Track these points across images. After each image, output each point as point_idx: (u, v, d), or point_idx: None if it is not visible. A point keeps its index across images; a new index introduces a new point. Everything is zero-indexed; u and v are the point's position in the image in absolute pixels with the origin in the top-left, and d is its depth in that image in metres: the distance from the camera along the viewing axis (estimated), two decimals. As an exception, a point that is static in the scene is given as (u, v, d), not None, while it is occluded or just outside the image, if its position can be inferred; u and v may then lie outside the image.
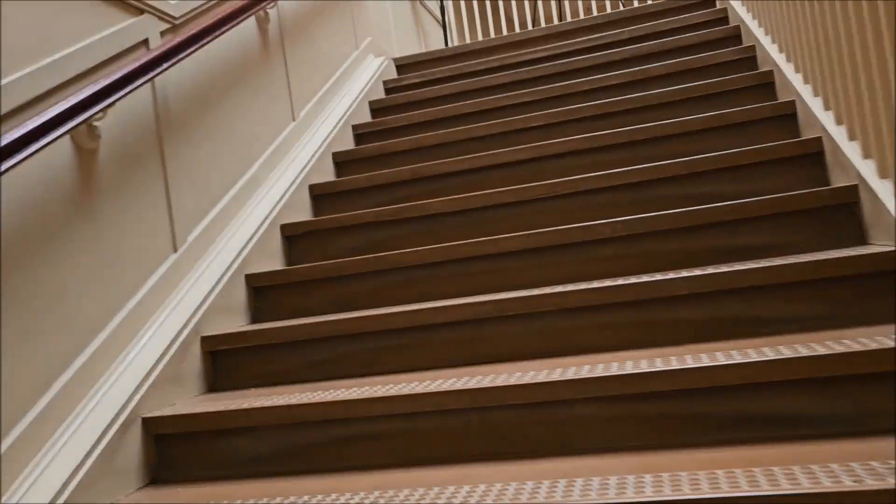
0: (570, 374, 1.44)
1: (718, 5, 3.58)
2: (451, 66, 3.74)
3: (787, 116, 2.34)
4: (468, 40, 5.50)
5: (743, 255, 1.87)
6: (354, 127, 3.26)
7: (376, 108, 3.53)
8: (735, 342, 1.53)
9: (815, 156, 2.11)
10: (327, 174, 2.94)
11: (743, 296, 1.62)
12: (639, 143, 2.46)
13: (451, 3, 5.77)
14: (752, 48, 2.85)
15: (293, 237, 2.46)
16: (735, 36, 3.14)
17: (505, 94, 3.10)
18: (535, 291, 1.76)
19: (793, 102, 2.33)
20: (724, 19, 3.40)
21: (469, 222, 2.27)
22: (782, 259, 1.72)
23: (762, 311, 1.60)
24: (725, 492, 1.09)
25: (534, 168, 2.52)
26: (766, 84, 2.60)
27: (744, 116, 2.37)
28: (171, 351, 1.82)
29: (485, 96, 3.38)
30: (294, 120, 2.88)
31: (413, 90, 3.71)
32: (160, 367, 1.77)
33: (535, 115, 2.80)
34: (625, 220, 1.91)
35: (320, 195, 2.72)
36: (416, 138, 2.92)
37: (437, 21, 5.70)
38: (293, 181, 2.64)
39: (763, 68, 2.70)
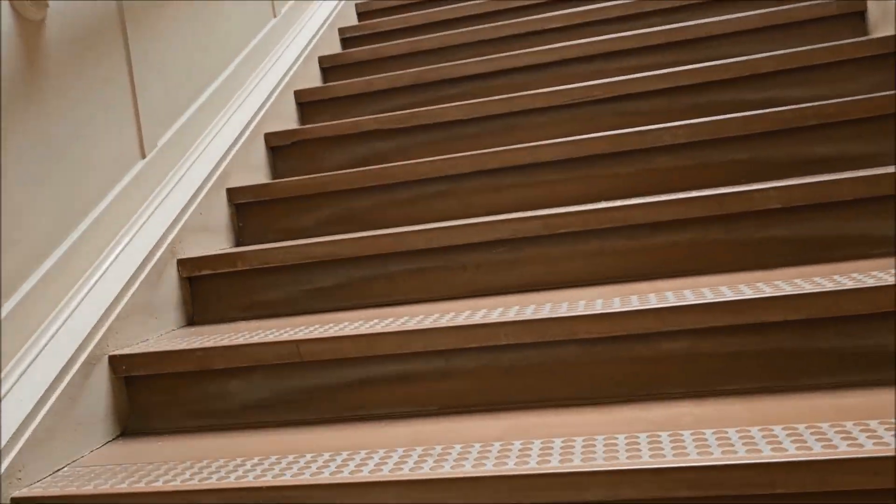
0: (653, 302, 1.15)
1: None
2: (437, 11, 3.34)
3: (855, 15, 2.04)
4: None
5: (828, 167, 1.59)
6: (341, 30, 2.88)
7: (364, 12, 3.14)
8: (837, 265, 1.27)
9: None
10: (313, 80, 2.57)
11: (843, 210, 1.35)
12: (679, 44, 2.15)
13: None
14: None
15: (280, 148, 2.11)
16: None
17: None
18: (588, 206, 1.46)
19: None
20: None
21: (490, 131, 1.95)
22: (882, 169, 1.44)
23: (869, 228, 1.33)
24: (867, 449, 0.83)
25: (559, 73, 2.19)
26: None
27: (803, 14, 2.06)
28: (142, 276, 1.49)
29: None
30: (275, 16, 2.49)
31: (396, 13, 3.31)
32: (129, 294, 1.44)
33: (554, 16, 2.46)
34: (687, 124, 1.61)
35: (308, 102, 2.37)
36: (414, 41, 2.56)
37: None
38: (276, 85, 2.27)
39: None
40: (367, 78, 2.32)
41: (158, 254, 1.56)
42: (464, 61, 2.28)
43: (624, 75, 2.00)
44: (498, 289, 1.47)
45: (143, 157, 1.66)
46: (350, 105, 2.32)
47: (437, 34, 2.56)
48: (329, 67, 2.62)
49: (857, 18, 2.05)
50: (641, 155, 1.62)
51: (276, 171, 2.10)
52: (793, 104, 1.82)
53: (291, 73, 2.39)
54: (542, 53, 2.21)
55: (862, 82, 1.85)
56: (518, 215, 1.48)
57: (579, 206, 1.47)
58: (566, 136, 1.79)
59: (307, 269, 1.57)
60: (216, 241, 1.78)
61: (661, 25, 2.33)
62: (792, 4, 2.14)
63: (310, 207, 1.83)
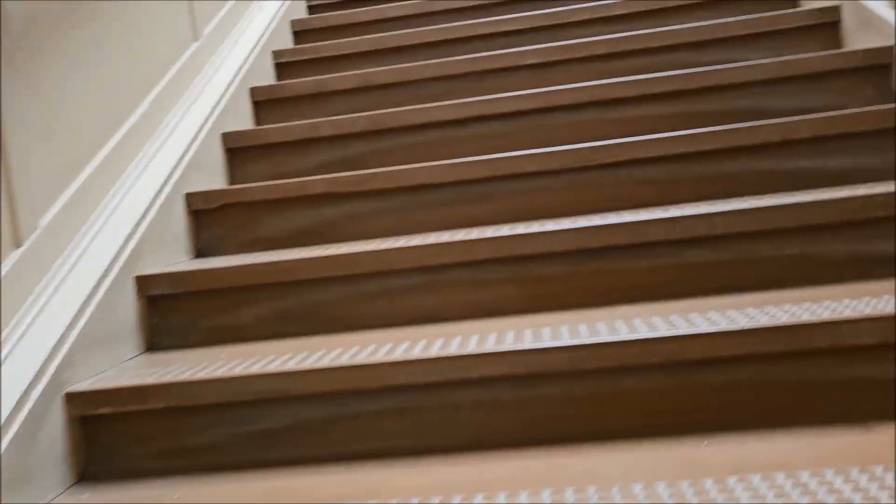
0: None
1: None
2: (388, 6, 2.96)
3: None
4: None
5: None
6: (276, 53, 2.47)
7: (284, 63, 2.61)
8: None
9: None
10: (245, 119, 2.16)
11: None
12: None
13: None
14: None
15: (204, 212, 1.70)
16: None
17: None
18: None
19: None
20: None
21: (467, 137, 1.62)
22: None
23: None
24: None
25: (542, 122, 1.86)
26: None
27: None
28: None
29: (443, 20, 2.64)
30: (197, 39, 2.07)
31: (345, 7, 2.92)
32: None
33: (530, 52, 2.13)
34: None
35: (240, 149, 1.95)
36: (367, 73, 2.18)
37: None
38: (199, 130, 1.86)
39: None
40: (313, 121, 1.93)
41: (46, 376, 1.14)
42: (432, 104, 1.91)
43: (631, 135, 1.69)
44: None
45: (19, 246, 1.24)
46: (293, 153, 1.93)
47: (394, 66, 2.19)
48: (264, 101, 2.21)
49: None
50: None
51: (199, 241, 1.69)
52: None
53: (220, 108, 1.97)
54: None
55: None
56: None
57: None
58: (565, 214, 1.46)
59: (248, 407, 1.17)
60: (122, 350, 1.36)
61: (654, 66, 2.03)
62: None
63: (245, 301, 1.42)
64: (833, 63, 1.79)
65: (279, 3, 2.74)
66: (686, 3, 2.32)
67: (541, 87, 2.06)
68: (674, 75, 1.82)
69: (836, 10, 2.03)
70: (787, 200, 1.32)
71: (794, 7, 2.27)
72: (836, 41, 2.05)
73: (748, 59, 2.04)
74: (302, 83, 2.19)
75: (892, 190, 1.28)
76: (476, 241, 1.34)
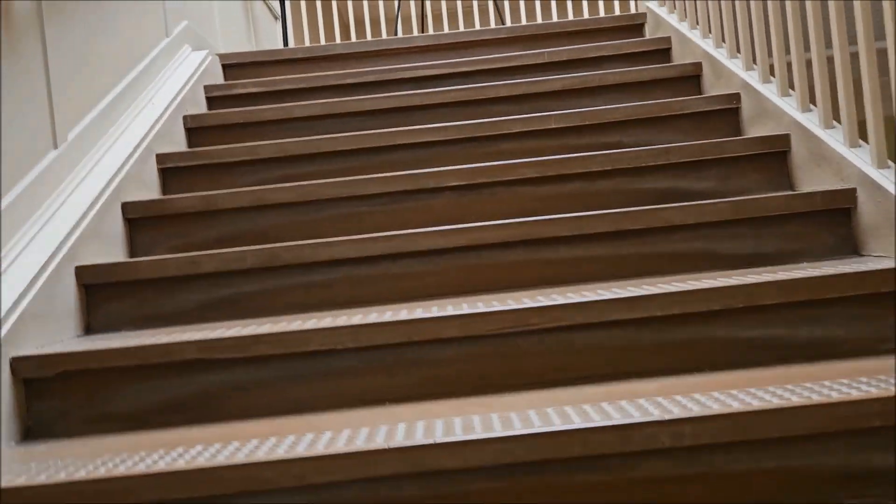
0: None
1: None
2: (303, 76, 2.71)
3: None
4: (322, 40, 4.45)
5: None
6: (160, 157, 2.14)
7: (195, 128, 2.42)
8: None
9: None
10: (151, 188, 1.82)
11: None
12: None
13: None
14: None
15: (98, 287, 1.34)
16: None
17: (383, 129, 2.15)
18: None
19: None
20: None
21: (377, 276, 1.30)
22: None
23: None
24: None
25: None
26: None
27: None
28: None
29: (352, 125, 2.39)
30: (57, 147, 1.73)
31: (248, 103, 2.64)
32: None
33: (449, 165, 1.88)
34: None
35: (141, 219, 1.61)
36: (259, 192, 1.88)
37: (273, 13, 4.58)
38: (101, 193, 1.52)
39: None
40: (191, 255, 1.60)
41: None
42: (337, 239, 1.62)
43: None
44: None
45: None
46: (167, 292, 1.59)
47: (295, 184, 1.90)
48: (139, 220, 1.88)
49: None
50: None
51: (91, 321, 1.32)
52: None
53: (78, 232, 1.63)
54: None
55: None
56: None
57: None
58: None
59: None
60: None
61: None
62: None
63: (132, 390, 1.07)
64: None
65: (173, 93, 2.43)
66: (625, 118, 2.14)
67: (464, 213, 1.82)
68: (617, 213, 1.59)
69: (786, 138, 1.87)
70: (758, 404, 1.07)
71: (739, 135, 2.12)
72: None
73: (693, 187, 1.85)
74: (187, 200, 1.87)
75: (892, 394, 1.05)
76: (382, 453, 1.03)
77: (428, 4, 4.72)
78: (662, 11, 2.77)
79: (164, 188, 2.11)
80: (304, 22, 4.45)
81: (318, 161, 2.14)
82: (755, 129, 2.05)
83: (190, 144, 2.41)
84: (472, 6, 9.77)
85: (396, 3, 4.50)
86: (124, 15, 2.28)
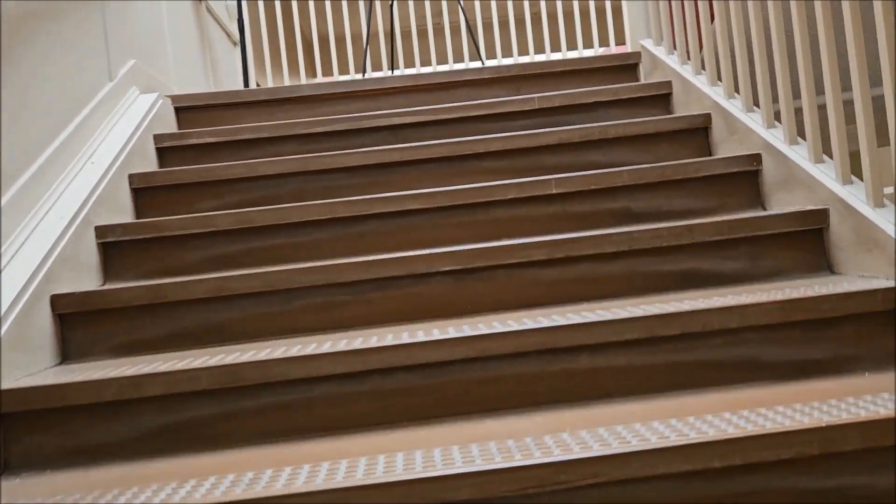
0: None
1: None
2: (266, 124, 2.43)
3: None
4: (286, 80, 4.16)
5: None
6: (101, 230, 1.84)
7: (143, 188, 2.12)
8: None
9: None
10: (40, 351, 1.51)
11: None
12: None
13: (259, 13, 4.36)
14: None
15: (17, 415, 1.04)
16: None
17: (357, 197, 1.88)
18: None
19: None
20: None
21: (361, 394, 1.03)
22: None
23: None
24: None
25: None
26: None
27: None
28: None
29: (323, 184, 2.13)
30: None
31: (205, 155, 2.35)
32: None
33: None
34: None
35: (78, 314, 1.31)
36: (218, 280, 1.60)
37: (232, 38, 4.28)
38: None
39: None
40: (133, 376, 1.31)
41: None
42: (311, 354, 1.34)
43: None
44: None
45: None
46: (100, 420, 1.30)
47: (258, 270, 1.62)
48: (72, 315, 1.58)
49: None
50: None
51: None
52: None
53: (56, 255, 1.33)
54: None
55: None
56: None
57: None
58: None
59: None
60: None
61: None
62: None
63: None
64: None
65: (118, 146, 2.13)
66: (634, 183, 1.90)
67: (460, 303, 1.56)
68: (650, 318, 1.34)
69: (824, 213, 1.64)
70: None
71: (761, 201, 1.90)
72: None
73: (719, 269, 1.63)
74: (131, 291, 1.57)
75: None
76: None
77: (396, 23, 4.46)
78: (660, 52, 2.55)
79: (106, 271, 1.82)
80: (264, 43, 4.16)
81: (286, 232, 1.87)
82: (782, 197, 1.83)
83: (138, 208, 2.11)
84: (442, 24, 9.60)
85: (365, 36, 4.23)
86: (59, 58, 1.98)
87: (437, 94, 2.66)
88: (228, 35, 4.25)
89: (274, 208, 1.85)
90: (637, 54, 2.68)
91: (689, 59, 2.37)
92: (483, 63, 4.04)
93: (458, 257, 1.61)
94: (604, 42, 8.16)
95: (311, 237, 1.88)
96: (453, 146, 2.14)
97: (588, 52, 4.51)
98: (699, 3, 2.27)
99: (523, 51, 9.00)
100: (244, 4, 4.27)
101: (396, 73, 4.68)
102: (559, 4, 4.38)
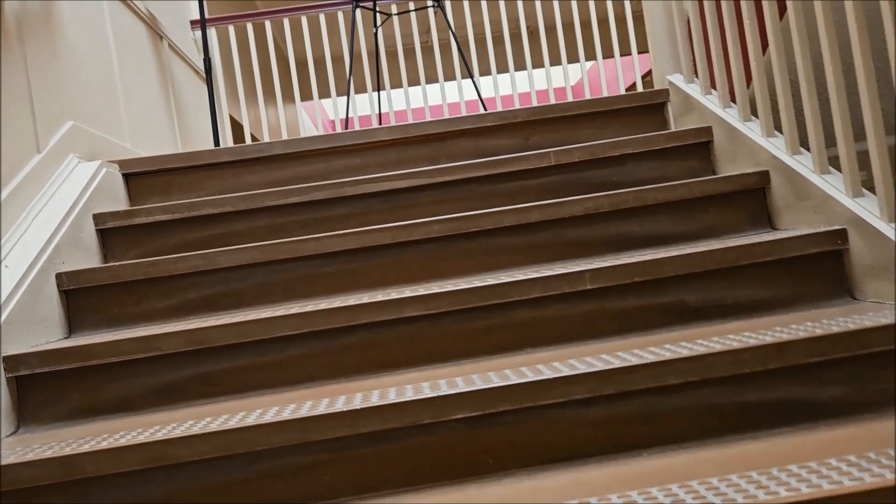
0: None
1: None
2: (229, 196, 2.04)
3: None
4: (262, 107, 3.76)
5: None
6: (10, 362, 1.43)
7: (75, 290, 1.72)
8: None
9: None
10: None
11: None
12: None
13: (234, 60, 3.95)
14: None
15: None
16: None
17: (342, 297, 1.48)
18: None
19: None
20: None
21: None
22: None
23: None
24: None
25: None
26: None
27: None
28: None
29: (299, 274, 1.74)
30: None
31: (156, 237, 1.95)
32: None
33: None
34: None
35: None
36: (154, 446, 1.19)
37: (200, 75, 3.88)
38: None
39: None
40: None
41: None
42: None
43: None
44: None
45: None
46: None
47: (229, 401, 1.22)
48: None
49: None
50: None
51: None
52: None
53: None
54: None
55: None
56: None
57: None
58: None
59: None
60: None
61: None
62: None
63: None
64: None
65: (45, 236, 1.73)
66: (688, 271, 1.51)
67: (479, 465, 1.17)
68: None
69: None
70: None
71: (845, 286, 1.51)
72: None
73: (816, 398, 1.24)
74: (36, 467, 1.17)
75: None
76: None
77: (381, 42, 4.07)
78: (693, 90, 2.17)
79: (22, 416, 1.41)
80: (236, 69, 3.76)
81: (249, 352, 1.47)
82: (879, 287, 1.44)
83: (70, 315, 1.70)
84: (431, 41, 9.23)
85: (348, 64, 3.84)
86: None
87: (432, 147, 2.27)
88: (197, 71, 3.85)
89: (235, 323, 1.45)
90: (664, 92, 2.30)
91: (733, 100, 1.99)
92: (483, 107, 3.65)
93: (475, 401, 1.21)
94: (607, 53, 7.80)
95: (278, 356, 1.48)
96: (457, 223, 1.75)
97: (587, 65, 4.14)
98: (746, 30, 1.89)
99: (519, 65, 8.62)
100: (212, 33, 3.87)
101: (384, 103, 4.29)
102: (557, 15, 4.00)
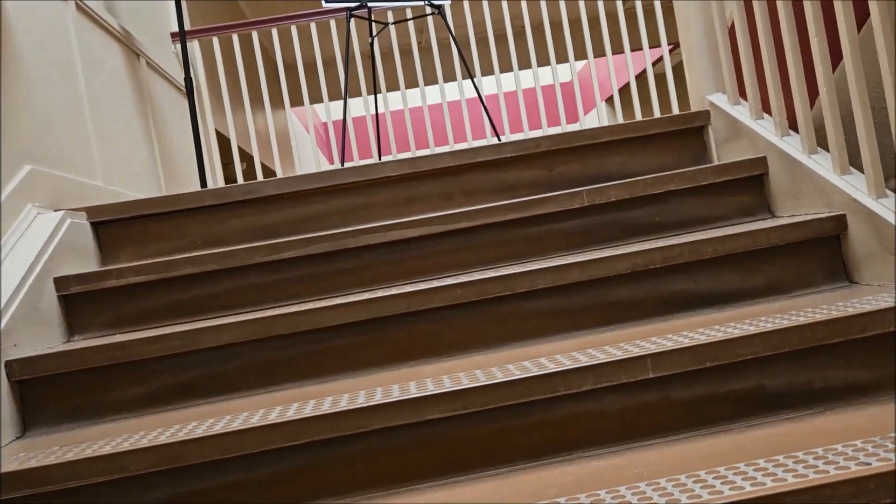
0: None
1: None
2: (215, 252, 1.77)
3: None
4: (249, 116, 3.48)
5: None
6: None
7: (30, 381, 1.44)
8: None
9: None
10: None
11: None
12: None
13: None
14: None
15: None
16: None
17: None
18: None
19: None
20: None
21: None
22: None
23: None
24: None
25: None
26: None
27: None
28: None
29: (297, 354, 1.47)
30: None
31: (129, 304, 1.68)
32: None
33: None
34: None
35: None
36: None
37: (182, 91, 3.59)
38: None
39: None
40: None
41: None
42: None
43: None
44: None
45: None
46: None
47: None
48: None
49: None
50: None
51: None
52: None
53: None
54: None
55: None
56: None
57: None
58: None
59: None
60: None
61: None
62: None
63: None
64: None
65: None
66: (771, 352, 1.24)
67: None
68: None
69: None
70: None
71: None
72: None
73: None
74: None
75: None
76: None
77: (376, 45, 3.79)
78: (740, 113, 1.90)
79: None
80: (221, 82, 3.48)
81: (232, 470, 1.20)
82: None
83: (24, 412, 1.43)
84: (429, 41, 8.94)
85: (343, 68, 3.57)
86: None
87: (445, 183, 1.99)
88: (179, 88, 3.57)
89: (218, 434, 1.18)
90: (704, 114, 2.02)
91: (792, 130, 1.72)
92: (484, 107, 3.37)
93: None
94: (617, 49, 7.52)
95: (280, 467, 1.21)
96: (483, 286, 1.48)
97: (579, 64, 3.87)
98: (812, 42, 1.61)
99: (524, 63, 8.32)
100: (195, 46, 3.59)
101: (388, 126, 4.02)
102: (563, 11, 3.73)
